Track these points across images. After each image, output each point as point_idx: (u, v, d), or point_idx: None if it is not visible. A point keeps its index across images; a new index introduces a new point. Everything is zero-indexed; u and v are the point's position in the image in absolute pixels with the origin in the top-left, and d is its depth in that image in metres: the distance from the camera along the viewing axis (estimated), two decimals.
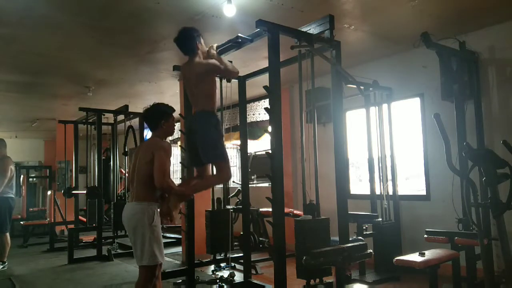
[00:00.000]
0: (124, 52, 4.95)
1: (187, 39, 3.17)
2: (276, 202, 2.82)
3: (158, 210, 2.88)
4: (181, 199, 3.03)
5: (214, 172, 3.28)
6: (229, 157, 3.17)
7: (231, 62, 3.78)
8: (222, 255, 4.57)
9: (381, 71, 5.17)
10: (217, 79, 3.54)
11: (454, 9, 3.89)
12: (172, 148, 9.41)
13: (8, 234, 5.74)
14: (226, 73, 3.34)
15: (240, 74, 4.27)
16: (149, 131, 3.13)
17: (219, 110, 3.96)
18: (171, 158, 3.03)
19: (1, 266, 5.64)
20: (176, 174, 9.35)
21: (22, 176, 9.63)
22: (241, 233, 4.25)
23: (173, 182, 2.91)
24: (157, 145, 2.89)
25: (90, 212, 6.76)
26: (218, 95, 3.58)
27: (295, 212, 5.00)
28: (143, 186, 2.85)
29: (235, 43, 3.41)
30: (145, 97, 7.34)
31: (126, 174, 6.78)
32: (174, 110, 3.11)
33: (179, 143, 7.66)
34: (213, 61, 3.20)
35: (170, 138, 9.30)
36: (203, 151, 3.09)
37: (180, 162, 4.12)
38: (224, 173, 3.13)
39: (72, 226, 7.22)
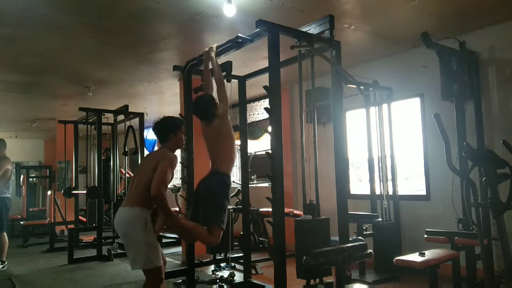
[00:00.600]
0: (124, 52, 4.95)
1: (206, 109, 3.19)
2: (276, 202, 2.82)
3: (150, 216, 2.85)
4: (165, 221, 2.85)
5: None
6: (225, 226, 3.02)
7: (230, 62, 3.80)
8: (222, 255, 4.58)
9: (381, 71, 5.18)
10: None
11: (454, 9, 3.89)
12: None
13: (5, 233, 5.74)
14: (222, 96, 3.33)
15: (240, 74, 4.28)
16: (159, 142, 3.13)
17: None
18: (174, 169, 2.99)
19: (1, 266, 5.64)
20: (176, 174, 9.35)
21: (22, 176, 9.64)
22: (241, 233, 4.25)
23: (166, 196, 2.80)
24: (163, 155, 2.90)
25: (90, 212, 6.76)
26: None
27: (295, 212, 5.00)
28: (139, 192, 2.82)
29: (235, 43, 3.41)
30: (145, 97, 7.34)
31: (127, 175, 6.79)
32: (183, 123, 3.11)
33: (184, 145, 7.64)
34: (222, 109, 3.20)
35: None
36: (205, 210, 3.03)
37: (180, 162, 4.11)
38: (213, 239, 2.97)
39: (72, 226, 7.21)
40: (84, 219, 7.43)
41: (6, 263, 5.71)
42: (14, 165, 10.41)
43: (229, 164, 3.19)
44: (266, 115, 7.10)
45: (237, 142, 4.56)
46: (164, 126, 3.03)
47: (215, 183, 3.10)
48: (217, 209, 2.99)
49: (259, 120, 7.23)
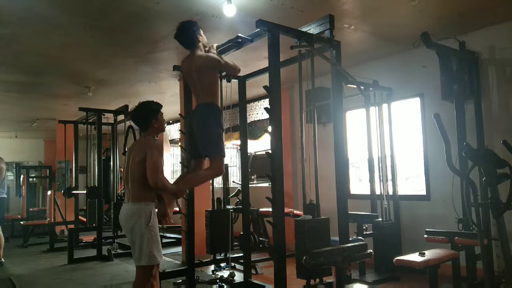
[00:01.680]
0: (124, 52, 4.95)
1: (186, 33, 3.17)
2: (276, 202, 2.82)
3: (156, 209, 2.88)
4: (176, 197, 3.00)
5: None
6: (225, 153, 3.14)
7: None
8: (222, 255, 4.57)
9: (381, 71, 5.18)
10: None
11: (454, 9, 3.89)
12: (172, 148, 9.44)
13: (0, 232, 5.76)
14: (227, 68, 3.34)
15: (240, 74, 4.27)
16: (140, 131, 3.13)
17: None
18: (171, 159, 3.03)
19: None
20: (176, 174, 9.35)
21: (22, 176, 9.64)
22: (241, 233, 4.25)
23: (167, 179, 2.89)
24: (149, 144, 2.89)
25: (90, 212, 6.75)
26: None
27: (295, 212, 5.00)
28: (138, 186, 2.84)
29: (235, 43, 3.41)
30: (145, 97, 7.21)
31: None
32: (161, 106, 3.09)
33: (179, 143, 7.67)
34: (214, 55, 3.22)
35: (168, 138, 9.31)
36: (202, 141, 3.09)
37: (180, 162, 4.11)
38: (217, 168, 3.09)
39: (72, 226, 7.22)
40: (84, 219, 7.42)
41: (3, 261, 5.75)
42: (14, 165, 10.49)
43: (214, 94, 3.18)
44: (266, 115, 7.10)
45: (237, 142, 4.57)
46: (144, 113, 3.01)
47: (205, 115, 3.10)
48: (213, 139, 3.05)
49: (258, 120, 7.23)
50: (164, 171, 2.94)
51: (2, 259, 5.76)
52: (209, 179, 3.34)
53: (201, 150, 3.13)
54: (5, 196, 5.96)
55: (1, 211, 5.81)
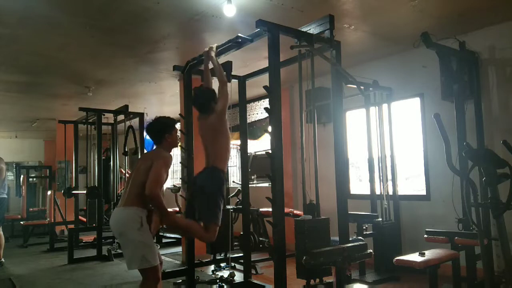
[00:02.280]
0: (124, 52, 4.95)
1: (206, 101, 3.22)
2: (276, 202, 2.82)
3: (146, 216, 2.85)
4: (162, 219, 2.89)
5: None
6: (220, 222, 3.06)
7: (230, 62, 3.80)
8: (222, 255, 4.57)
9: (381, 71, 5.17)
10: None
11: (454, 9, 3.89)
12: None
13: (0, 232, 5.78)
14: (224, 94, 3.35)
15: (240, 74, 4.28)
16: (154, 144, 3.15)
17: None
18: (170, 169, 3.01)
19: None
20: (176, 174, 9.35)
21: (22, 176, 9.64)
22: (241, 233, 4.25)
23: (161, 195, 2.83)
24: (158, 155, 2.92)
25: (90, 212, 6.75)
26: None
27: (295, 212, 5.00)
28: (135, 192, 2.83)
29: (235, 43, 3.41)
30: (145, 97, 7.34)
31: (127, 174, 6.78)
32: (176, 122, 3.14)
33: (179, 143, 7.66)
34: (221, 106, 3.22)
35: None
36: (200, 206, 3.07)
37: (180, 162, 4.11)
38: (209, 235, 3.02)
39: (72, 226, 7.22)
40: (84, 219, 7.43)
41: (3, 260, 5.77)
42: (14, 165, 10.49)
43: (224, 160, 3.20)
44: (265, 114, 7.09)
45: (237, 142, 4.57)
46: (158, 128, 3.04)
47: (210, 180, 3.11)
48: (211, 207, 3.02)
49: (257, 120, 7.23)
50: (164, 186, 2.92)
51: (2, 259, 5.77)
52: (198, 238, 3.28)
53: (197, 214, 3.10)
54: (6, 196, 5.97)
55: (1, 211, 5.82)
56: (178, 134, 3.14)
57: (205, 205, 3.04)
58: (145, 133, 6.83)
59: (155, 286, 2.85)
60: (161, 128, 3.03)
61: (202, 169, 3.24)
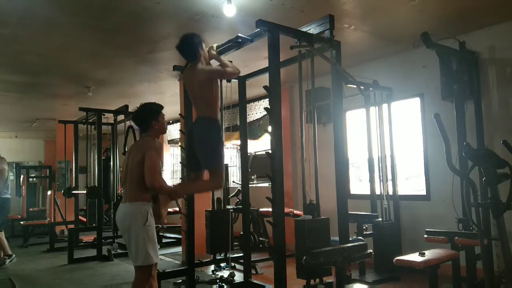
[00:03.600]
0: (124, 52, 4.95)
1: (188, 46, 3.13)
2: (276, 202, 2.82)
3: (151, 208, 2.88)
4: (171, 198, 2.98)
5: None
6: (224, 167, 3.11)
7: (231, 62, 3.80)
8: (222, 255, 4.57)
9: (381, 71, 5.17)
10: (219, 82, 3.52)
11: (454, 9, 3.89)
12: (172, 148, 9.42)
13: (2, 232, 5.83)
14: (228, 75, 3.34)
15: (240, 74, 4.27)
16: (141, 132, 3.12)
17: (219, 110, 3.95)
18: (171, 159, 3.03)
19: (9, 260, 5.70)
20: (176, 174, 9.35)
21: (22, 176, 9.64)
22: (241, 233, 4.25)
23: (164, 181, 2.89)
24: (148, 145, 2.90)
25: (90, 212, 6.75)
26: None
27: (295, 212, 5.00)
28: (135, 186, 2.84)
29: (235, 43, 3.41)
30: (145, 97, 7.33)
31: None
32: (162, 107, 3.08)
33: (179, 143, 7.67)
34: (215, 68, 3.19)
35: (168, 138, 9.31)
36: (201, 156, 3.08)
37: (180, 162, 4.11)
38: (216, 181, 3.07)
39: (72, 226, 7.22)
40: (84, 219, 7.43)
41: (13, 255, 5.86)
42: (14, 165, 10.49)
43: (214, 109, 3.16)
44: (264, 112, 7.08)
45: (237, 142, 4.56)
46: (144, 115, 3.02)
47: (205, 130, 3.09)
48: (213, 154, 3.04)
49: (256, 119, 7.23)
50: (162, 173, 2.94)
51: (13, 255, 5.82)
52: (208, 190, 3.34)
53: (201, 163, 3.10)
54: (9, 196, 5.98)
55: (4, 212, 5.84)
56: (164, 119, 3.09)
57: (206, 154, 3.04)
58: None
59: (148, 283, 2.86)
60: (148, 115, 3.00)
61: (194, 120, 3.22)
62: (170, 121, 9.32)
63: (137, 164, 2.83)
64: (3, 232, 5.83)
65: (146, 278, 2.85)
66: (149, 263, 2.81)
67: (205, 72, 3.13)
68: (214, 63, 3.35)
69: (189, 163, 3.27)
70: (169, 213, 3.21)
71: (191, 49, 3.14)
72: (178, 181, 7.49)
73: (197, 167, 3.18)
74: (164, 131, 3.13)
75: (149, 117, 2.99)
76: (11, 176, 10.48)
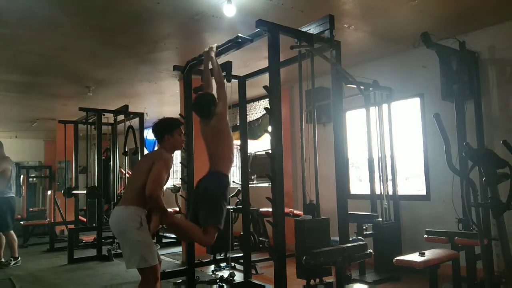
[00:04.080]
0: (124, 52, 4.95)
1: (206, 107, 3.20)
2: (276, 202, 2.82)
3: (145, 215, 2.85)
4: (162, 218, 2.90)
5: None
6: (222, 224, 3.03)
7: (230, 62, 3.80)
8: (222, 255, 4.57)
9: (381, 71, 5.18)
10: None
11: (454, 9, 3.89)
12: None
13: (12, 232, 5.83)
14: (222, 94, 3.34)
15: (240, 74, 4.28)
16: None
17: None
18: (170, 169, 3.02)
19: (14, 262, 5.71)
20: (176, 174, 9.35)
21: (22, 176, 9.63)
22: (241, 233, 4.25)
23: (161, 195, 2.83)
24: (158, 156, 2.93)
25: (90, 212, 6.76)
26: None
27: (295, 212, 5.00)
28: (135, 191, 2.83)
29: (235, 43, 3.41)
30: (145, 97, 7.35)
31: (127, 175, 6.78)
32: (179, 125, 3.11)
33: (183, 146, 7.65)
34: (221, 109, 3.21)
35: None
36: (203, 209, 3.04)
37: (180, 162, 4.11)
38: (207, 238, 2.98)
39: (72, 226, 7.21)
40: (84, 219, 7.43)
41: (19, 258, 5.83)
42: (14, 165, 10.47)
43: (227, 163, 3.20)
44: (263, 113, 7.06)
45: (237, 142, 4.57)
46: (159, 127, 3.08)
47: (213, 184, 3.10)
48: (214, 210, 3.00)
49: (255, 119, 7.24)
50: (164, 186, 2.92)
51: (18, 258, 5.82)
52: (197, 241, 3.26)
53: (200, 217, 3.05)
54: (13, 195, 5.98)
55: (10, 210, 5.84)
56: (181, 136, 3.12)
57: (208, 209, 3.02)
58: (145, 133, 6.83)
59: (154, 286, 2.85)
60: (161, 129, 3.06)
61: (206, 173, 3.23)
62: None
63: (144, 171, 2.83)
64: (13, 232, 5.84)
65: (151, 281, 2.83)
66: (143, 266, 2.78)
67: (218, 120, 3.18)
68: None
69: (189, 213, 3.26)
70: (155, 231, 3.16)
71: (206, 109, 3.20)
72: (178, 181, 7.49)
73: (195, 219, 3.11)
74: (178, 146, 3.13)
75: (164, 131, 3.03)
76: None
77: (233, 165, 3.30)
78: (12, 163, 6.08)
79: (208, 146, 3.26)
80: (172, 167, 3.07)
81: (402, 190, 5.05)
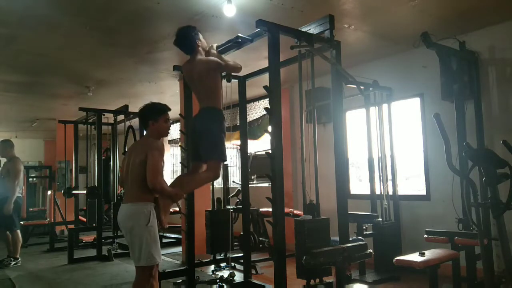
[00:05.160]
0: (124, 52, 4.95)
1: (185, 38, 3.19)
2: (276, 202, 2.82)
3: (153, 208, 2.87)
4: (172, 200, 2.97)
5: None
6: (226, 157, 3.17)
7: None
8: (222, 255, 4.57)
9: (381, 71, 5.17)
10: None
11: (454, 9, 3.89)
12: (172, 148, 9.42)
13: (18, 231, 5.84)
14: (228, 69, 3.35)
15: (240, 74, 4.27)
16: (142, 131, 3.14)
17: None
18: (172, 159, 3.03)
19: (14, 262, 5.71)
20: (176, 174, 9.35)
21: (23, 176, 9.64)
22: (241, 233, 4.25)
23: (165, 182, 2.86)
24: (150, 145, 2.88)
25: (90, 212, 6.76)
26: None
27: (295, 212, 5.00)
28: (137, 186, 2.83)
29: (235, 43, 3.41)
30: (145, 97, 7.33)
31: None
32: (164, 110, 3.03)
33: (179, 143, 7.66)
34: (214, 58, 3.22)
35: (168, 139, 9.30)
36: (203, 147, 3.10)
37: (180, 162, 4.11)
38: (214, 171, 3.09)
39: (72, 226, 7.21)
40: (84, 219, 7.43)
41: (19, 259, 5.83)
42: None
43: (217, 99, 3.19)
44: (261, 113, 7.05)
45: (237, 142, 4.57)
46: (144, 112, 3.02)
47: (208, 118, 3.12)
48: (215, 143, 3.05)
49: (255, 119, 7.24)
50: (163, 174, 2.93)
51: (19, 258, 5.83)
52: (207, 182, 3.33)
53: (203, 154, 3.12)
54: (21, 195, 5.98)
55: (17, 209, 5.85)
56: (167, 123, 3.05)
57: (209, 143, 3.06)
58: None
59: (148, 283, 2.86)
60: (145, 114, 3.00)
61: (198, 111, 3.23)
62: (171, 121, 9.33)
63: (139, 164, 2.81)
64: (19, 232, 5.84)
65: (146, 278, 2.85)
66: (152, 263, 2.81)
67: (204, 62, 3.17)
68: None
69: (190, 153, 3.30)
70: (169, 213, 3.19)
71: (188, 41, 3.18)
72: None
73: (197, 158, 3.20)
74: (163, 133, 3.07)
75: (149, 117, 2.97)
76: None
77: (222, 102, 3.31)
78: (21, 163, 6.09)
79: (195, 86, 3.25)
80: (172, 167, 3.07)
81: (402, 190, 5.05)
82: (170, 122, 3.14)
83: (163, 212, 2.89)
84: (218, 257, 4.57)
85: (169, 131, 3.19)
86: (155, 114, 2.99)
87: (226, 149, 3.17)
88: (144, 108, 3.04)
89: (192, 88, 3.33)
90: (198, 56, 3.20)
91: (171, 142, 9.54)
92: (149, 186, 2.74)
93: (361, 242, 2.98)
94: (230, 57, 3.70)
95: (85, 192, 6.59)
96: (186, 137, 3.75)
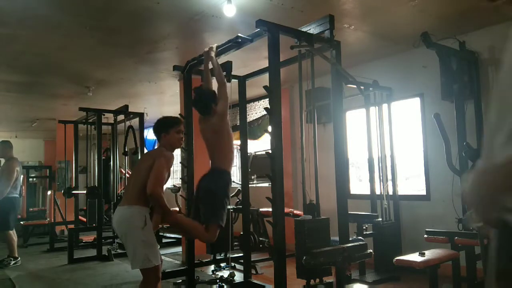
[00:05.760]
0: (124, 52, 4.95)
1: (206, 103, 3.20)
2: (276, 202, 2.82)
3: (149, 214, 2.86)
4: (164, 217, 2.90)
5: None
6: (224, 221, 3.04)
7: (230, 62, 3.80)
8: (222, 255, 4.58)
9: (381, 71, 5.17)
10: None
11: (454, 9, 3.89)
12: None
13: (12, 231, 5.83)
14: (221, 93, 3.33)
15: (240, 74, 4.28)
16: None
17: None
18: (171, 168, 3.02)
19: (13, 262, 5.71)
20: (176, 174, 9.35)
21: (22, 176, 9.63)
22: (241, 233, 4.25)
23: (162, 193, 2.83)
24: (159, 153, 2.94)
25: (90, 212, 6.75)
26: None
27: (295, 212, 5.00)
28: (137, 190, 2.83)
29: (235, 43, 3.41)
30: (145, 97, 7.34)
31: (127, 174, 6.79)
32: (177, 123, 3.10)
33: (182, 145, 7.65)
34: (222, 108, 3.19)
35: None
36: (205, 208, 3.05)
37: (180, 162, 4.11)
38: (210, 235, 3.00)
39: (72, 226, 7.21)
40: (84, 219, 7.43)
41: (19, 258, 5.83)
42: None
43: (228, 161, 3.21)
44: (261, 113, 7.05)
45: (237, 142, 4.57)
46: (157, 126, 3.09)
47: (215, 181, 3.11)
48: (216, 207, 3.02)
49: (255, 119, 7.24)
50: (164, 185, 2.92)
51: (18, 258, 5.83)
52: (199, 238, 3.28)
53: (202, 215, 3.07)
54: (16, 195, 5.98)
55: (13, 210, 5.85)
56: (179, 135, 3.10)
57: (210, 206, 3.03)
58: (145, 133, 6.83)
59: (155, 286, 2.85)
60: (158, 127, 3.08)
61: (207, 171, 3.23)
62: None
63: (145, 169, 2.83)
64: (14, 232, 5.84)
65: (153, 281, 2.84)
66: (147, 266, 2.78)
67: (218, 118, 3.17)
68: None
69: (191, 211, 3.28)
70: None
71: (206, 106, 3.19)
72: (178, 181, 7.49)
73: (197, 217, 3.12)
74: (175, 144, 3.11)
75: (161, 129, 3.05)
76: None
77: (233, 164, 3.30)
78: (20, 164, 6.08)
79: (209, 145, 3.26)
80: (172, 166, 3.07)
81: (402, 190, 5.05)
82: (183, 133, 3.17)
83: (153, 226, 2.88)
84: (218, 257, 4.57)
85: (182, 142, 3.21)
86: (166, 126, 3.05)
87: (225, 213, 3.07)
88: (157, 122, 3.12)
89: (206, 144, 3.30)
90: (213, 118, 3.20)
91: None
92: (147, 191, 2.73)
93: (361, 242, 2.98)
94: (230, 57, 3.71)
95: (85, 192, 6.59)
96: (186, 137, 3.75)
